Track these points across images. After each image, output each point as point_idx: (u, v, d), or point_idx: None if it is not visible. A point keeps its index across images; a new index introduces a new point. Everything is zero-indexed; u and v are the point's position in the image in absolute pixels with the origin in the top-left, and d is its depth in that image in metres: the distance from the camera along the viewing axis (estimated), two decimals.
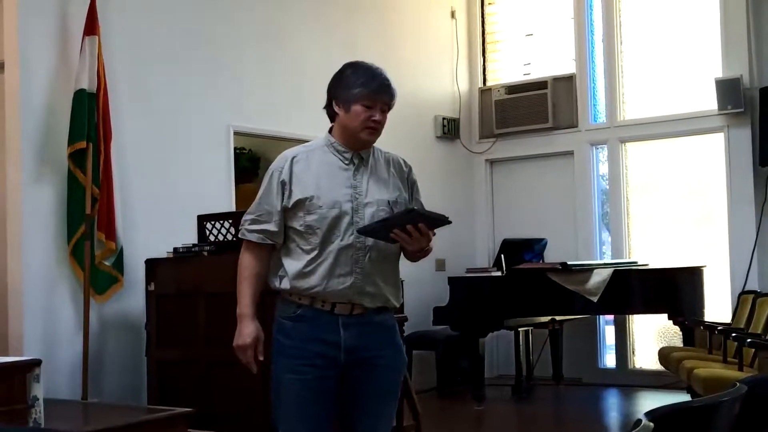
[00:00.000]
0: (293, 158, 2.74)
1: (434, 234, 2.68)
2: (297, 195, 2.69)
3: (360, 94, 2.71)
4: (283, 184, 2.71)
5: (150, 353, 4.86)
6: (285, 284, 2.70)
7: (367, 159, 2.77)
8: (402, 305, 5.15)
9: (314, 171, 2.71)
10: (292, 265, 2.69)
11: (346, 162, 2.74)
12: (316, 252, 2.66)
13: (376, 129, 2.74)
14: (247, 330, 2.71)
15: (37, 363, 3.47)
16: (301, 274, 2.67)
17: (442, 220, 2.65)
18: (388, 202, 2.73)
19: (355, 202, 2.68)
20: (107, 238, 4.85)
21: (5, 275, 4.85)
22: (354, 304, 2.68)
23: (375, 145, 2.84)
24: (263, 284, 2.77)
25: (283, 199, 2.71)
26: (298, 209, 2.68)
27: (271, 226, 2.71)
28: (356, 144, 2.74)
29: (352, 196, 2.69)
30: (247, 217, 2.77)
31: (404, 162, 2.90)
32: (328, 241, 2.65)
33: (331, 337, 2.66)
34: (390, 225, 2.60)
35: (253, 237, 2.73)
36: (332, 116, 2.78)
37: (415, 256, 2.75)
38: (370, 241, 2.66)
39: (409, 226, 2.59)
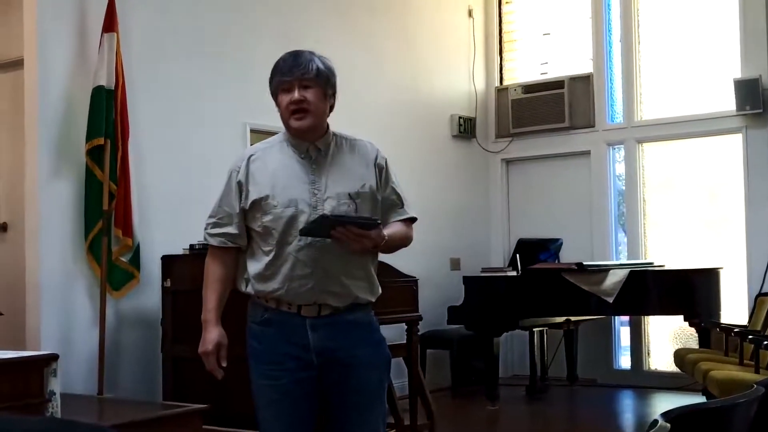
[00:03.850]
0: (250, 157, 2.66)
1: (379, 232, 2.53)
2: (253, 195, 2.61)
3: (276, 83, 2.63)
4: (239, 184, 2.64)
5: (165, 349, 4.88)
6: (250, 288, 2.64)
7: (326, 150, 2.65)
8: (416, 304, 5.21)
9: (270, 169, 2.62)
10: (253, 267, 2.62)
11: (303, 155, 2.63)
12: (273, 254, 2.58)
13: (301, 110, 2.58)
14: (209, 336, 2.66)
15: (54, 357, 3.49)
16: (262, 277, 2.60)
17: (364, 224, 2.51)
18: (349, 194, 2.59)
19: (313, 198, 2.58)
20: (124, 235, 4.87)
21: (23, 271, 4.88)
22: (321, 305, 2.59)
23: (341, 132, 2.72)
24: (230, 288, 2.71)
25: (240, 200, 2.63)
26: (256, 210, 2.60)
27: (232, 229, 2.65)
28: (297, 133, 2.63)
29: (311, 191, 2.59)
30: (209, 220, 2.70)
31: (371, 146, 2.73)
32: (285, 242, 2.57)
33: (300, 340, 2.59)
34: (323, 227, 2.48)
35: (215, 241, 2.67)
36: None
37: (386, 250, 2.65)
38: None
39: (340, 228, 2.46)
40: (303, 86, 2.60)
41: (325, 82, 2.63)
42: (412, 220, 2.76)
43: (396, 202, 2.73)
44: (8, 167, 5.66)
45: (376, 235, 2.53)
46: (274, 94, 2.67)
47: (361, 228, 2.50)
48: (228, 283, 2.71)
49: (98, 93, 4.77)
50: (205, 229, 2.71)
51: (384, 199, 2.71)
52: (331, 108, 2.72)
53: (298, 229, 2.55)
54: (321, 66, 2.63)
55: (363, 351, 2.64)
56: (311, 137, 2.65)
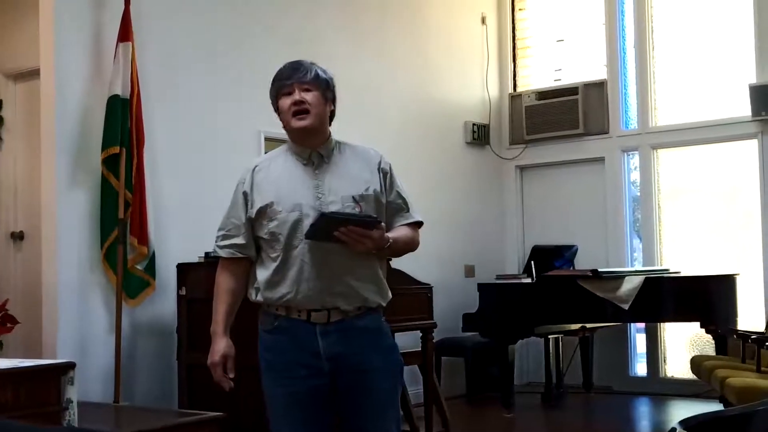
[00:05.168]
0: (255, 168, 2.73)
1: (380, 231, 2.55)
2: (258, 203, 2.66)
3: (276, 88, 2.73)
4: (245, 194, 2.69)
5: (181, 357, 4.89)
6: (259, 296, 2.67)
7: (329, 156, 2.71)
8: (431, 311, 5.20)
9: (274, 177, 2.69)
10: (262, 274, 2.66)
11: (305, 162, 2.69)
12: (281, 259, 2.61)
13: (302, 111, 2.66)
14: (216, 348, 2.71)
15: (71, 366, 3.51)
16: (271, 283, 2.63)
17: (362, 221, 2.54)
18: (353, 197, 2.63)
19: (317, 202, 2.62)
20: (139, 243, 4.89)
21: (40, 279, 4.91)
22: (330, 310, 2.61)
23: (342, 140, 2.77)
24: (240, 300, 2.74)
25: (246, 210, 2.68)
26: (262, 218, 2.65)
27: (240, 239, 2.69)
28: (299, 136, 2.70)
29: (315, 195, 2.63)
30: (218, 233, 2.75)
31: (374, 151, 2.79)
32: (291, 246, 2.60)
33: (310, 347, 2.61)
34: (326, 228, 2.51)
35: (224, 252, 2.72)
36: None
37: (392, 254, 2.71)
38: None
39: (342, 228, 2.49)
40: (303, 89, 2.68)
41: (324, 87, 2.71)
42: (418, 224, 2.79)
43: (401, 206, 2.77)
44: (24, 176, 5.71)
45: (378, 235, 2.56)
46: (275, 100, 2.74)
47: (361, 226, 2.52)
48: (238, 294, 2.74)
49: (114, 102, 4.80)
50: (215, 242, 2.76)
51: (389, 203, 2.74)
52: (332, 116, 2.78)
53: (304, 233, 2.58)
54: (320, 72, 2.72)
55: (374, 356, 2.66)
56: (313, 143, 2.70)
